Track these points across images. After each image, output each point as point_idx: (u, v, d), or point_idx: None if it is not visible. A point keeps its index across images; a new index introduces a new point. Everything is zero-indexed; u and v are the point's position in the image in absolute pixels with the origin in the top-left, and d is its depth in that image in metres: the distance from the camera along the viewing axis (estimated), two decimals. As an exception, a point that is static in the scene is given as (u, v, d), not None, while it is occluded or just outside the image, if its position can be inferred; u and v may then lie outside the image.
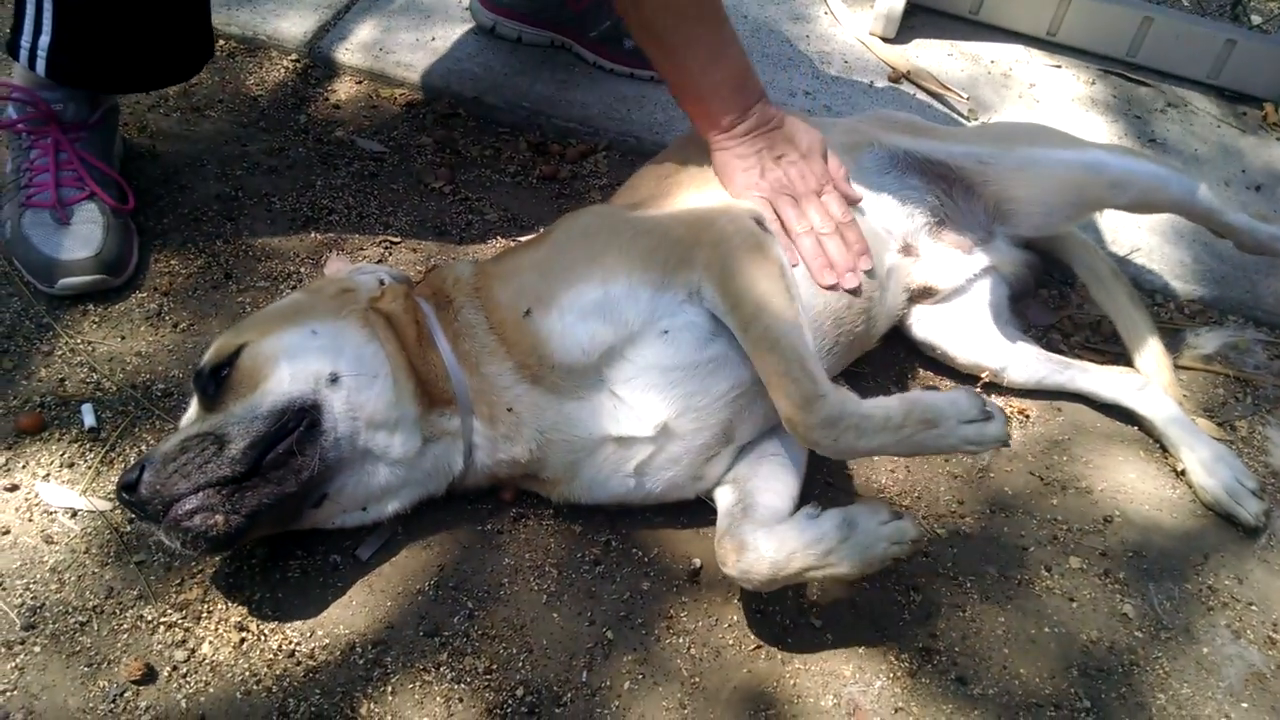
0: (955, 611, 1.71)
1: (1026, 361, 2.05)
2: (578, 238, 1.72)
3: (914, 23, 3.00)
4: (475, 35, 2.72)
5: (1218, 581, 1.81)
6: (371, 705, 1.50)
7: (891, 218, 1.94)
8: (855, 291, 1.78)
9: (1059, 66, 2.96)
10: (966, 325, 2.04)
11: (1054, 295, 2.29)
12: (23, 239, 1.96)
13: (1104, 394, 2.06)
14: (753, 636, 1.64)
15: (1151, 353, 2.08)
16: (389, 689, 1.52)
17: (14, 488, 1.69)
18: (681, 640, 1.63)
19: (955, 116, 2.72)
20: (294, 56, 2.64)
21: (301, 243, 2.16)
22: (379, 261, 2.14)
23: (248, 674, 1.52)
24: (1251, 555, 1.86)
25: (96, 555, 1.62)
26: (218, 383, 1.57)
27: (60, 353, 1.89)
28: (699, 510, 1.75)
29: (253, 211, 2.21)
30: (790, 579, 1.53)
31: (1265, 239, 2.08)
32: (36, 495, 1.68)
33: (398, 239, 2.20)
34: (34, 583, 1.58)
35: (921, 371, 2.09)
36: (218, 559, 1.63)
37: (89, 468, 1.73)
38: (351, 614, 1.61)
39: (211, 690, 1.50)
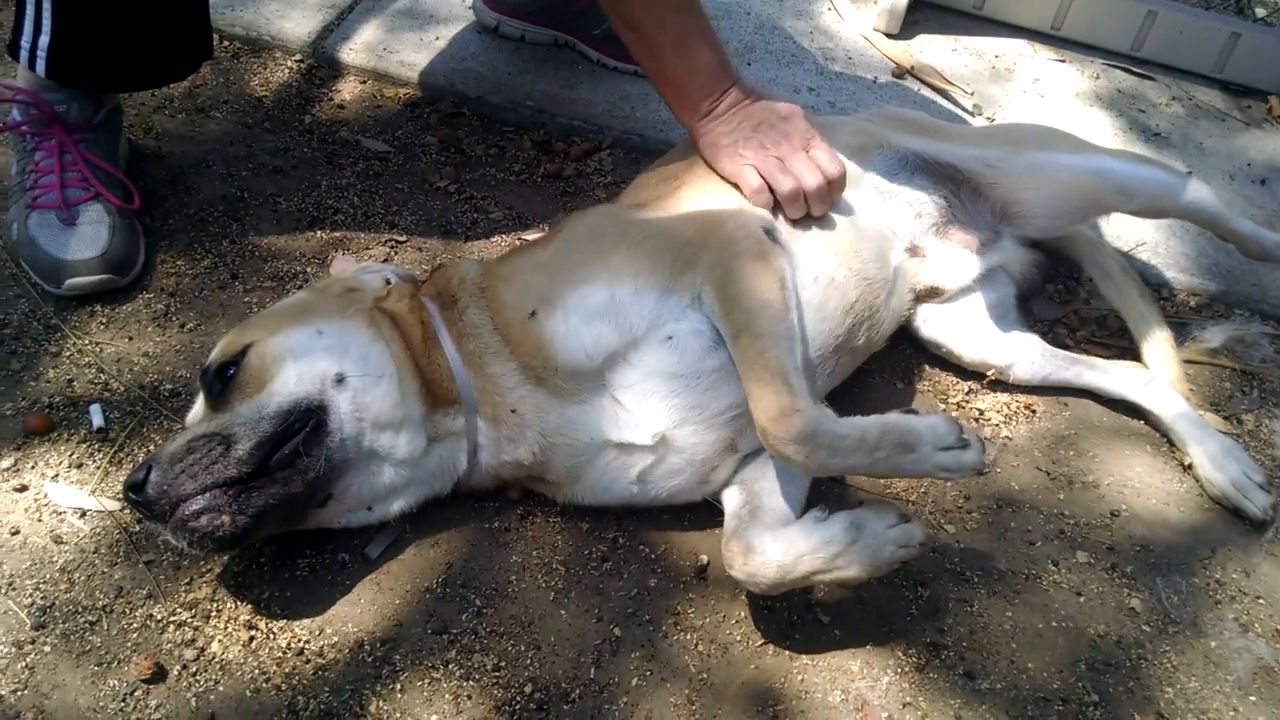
0: (962, 607, 1.71)
1: (1033, 358, 2.05)
2: (584, 238, 1.71)
3: (918, 18, 3.00)
4: (479, 34, 2.72)
5: (1225, 575, 1.81)
6: (380, 703, 1.51)
7: (899, 219, 1.95)
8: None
9: (1063, 61, 2.96)
10: (972, 324, 2.04)
11: (1060, 290, 2.29)
12: (29, 240, 1.97)
13: (1111, 389, 2.06)
14: (760, 633, 1.64)
15: (1159, 347, 2.08)
16: (398, 686, 1.53)
17: (23, 488, 1.69)
18: (689, 637, 1.63)
19: (960, 112, 2.71)
20: (298, 57, 2.64)
21: (307, 242, 2.17)
22: (384, 260, 2.14)
23: (257, 672, 1.52)
24: (1259, 549, 1.86)
25: (106, 555, 1.63)
26: (224, 382, 1.57)
27: (68, 354, 1.89)
28: (706, 507, 1.75)
29: (258, 212, 2.22)
30: (797, 582, 1.53)
31: (1270, 246, 2.09)
32: (45, 496, 1.69)
33: (403, 238, 2.21)
34: (44, 583, 1.59)
35: (927, 368, 2.09)
36: (226, 558, 1.64)
37: (98, 468, 1.73)
38: (360, 612, 1.61)
39: (221, 689, 1.50)
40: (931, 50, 2.92)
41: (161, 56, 2.06)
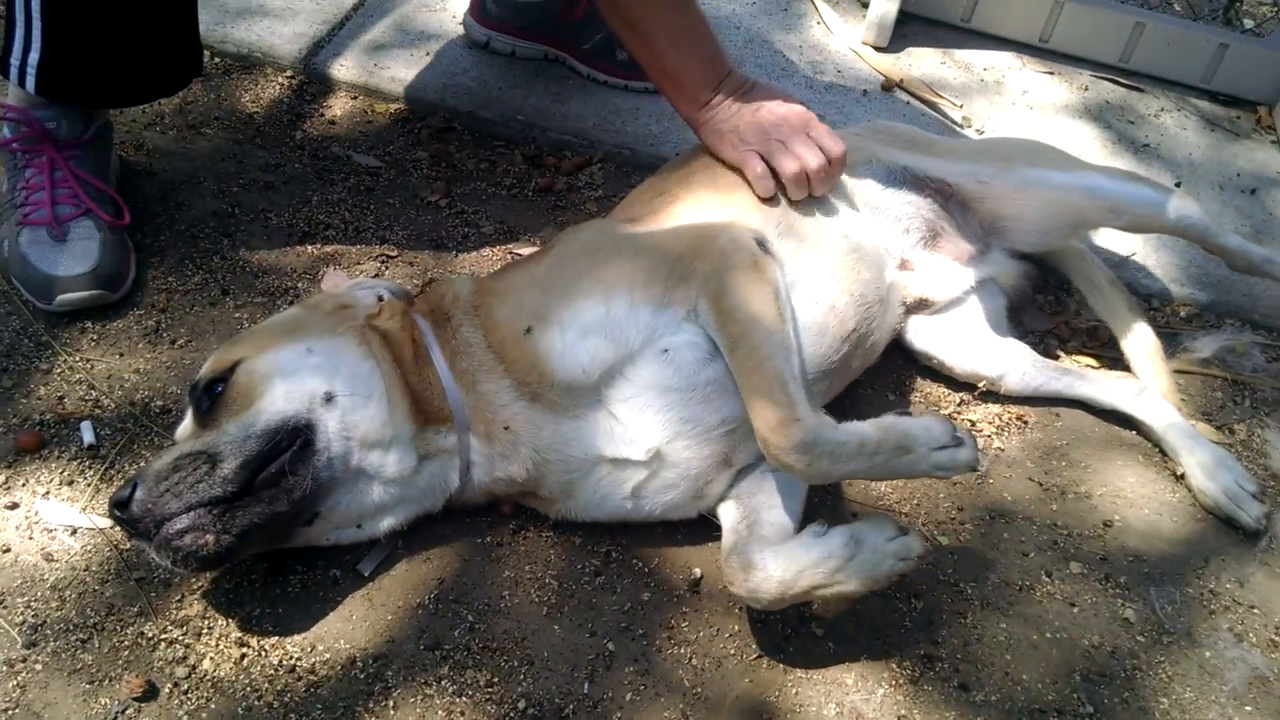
0: (957, 618, 1.71)
1: (1024, 369, 2.05)
2: (578, 253, 1.71)
3: (906, 31, 3.02)
4: (469, 50, 2.73)
5: (1219, 585, 1.81)
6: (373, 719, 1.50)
7: (891, 233, 1.96)
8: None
9: (1051, 73, 2.97)
10: (964, 335, 2.04)
11: (1050, 301, 2.29)
12: (20, 257, 1.97)
13: (1102, 399, 2.06)
14: (754, 646, 1.64)
15: (1149, 358, 2.09)
16: (390, 703, 1.52)
17: (14, 506, 1.68)
18: (683, 651, 1.63)
19: (949, 125, 2.72)
20: (289, 73, 2.65)
21: (298, 258, 2.17)
22: (376, 275, 2.14)
23: (249, 690, 1.51)
24: (1252, 558, 1.86)
25: (97, 572, 1.62)
26: (212, 398, 1.56)
27: (59, 370, 1.89)
28: (699, 521, 1.75)
29: (249, 227, 2.21)
30: (798, 598, 1.53)
31: (1258, 260, 2.11)
32: (36, 513, 1.68)
33: (394, 253, 2.21)
34: (35, 600, 1.58)
35: (919, 380, 2.10)
36: (217, 574, 1.63)
37: (88, 485, 1.73)
38: (352, 628, 1.60)
39: (213, 706, 1.49)
40: (920, 63, 2.94)
41: (152, 72, 2.06)
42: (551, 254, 1.75)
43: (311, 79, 2.64)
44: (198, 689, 1.51)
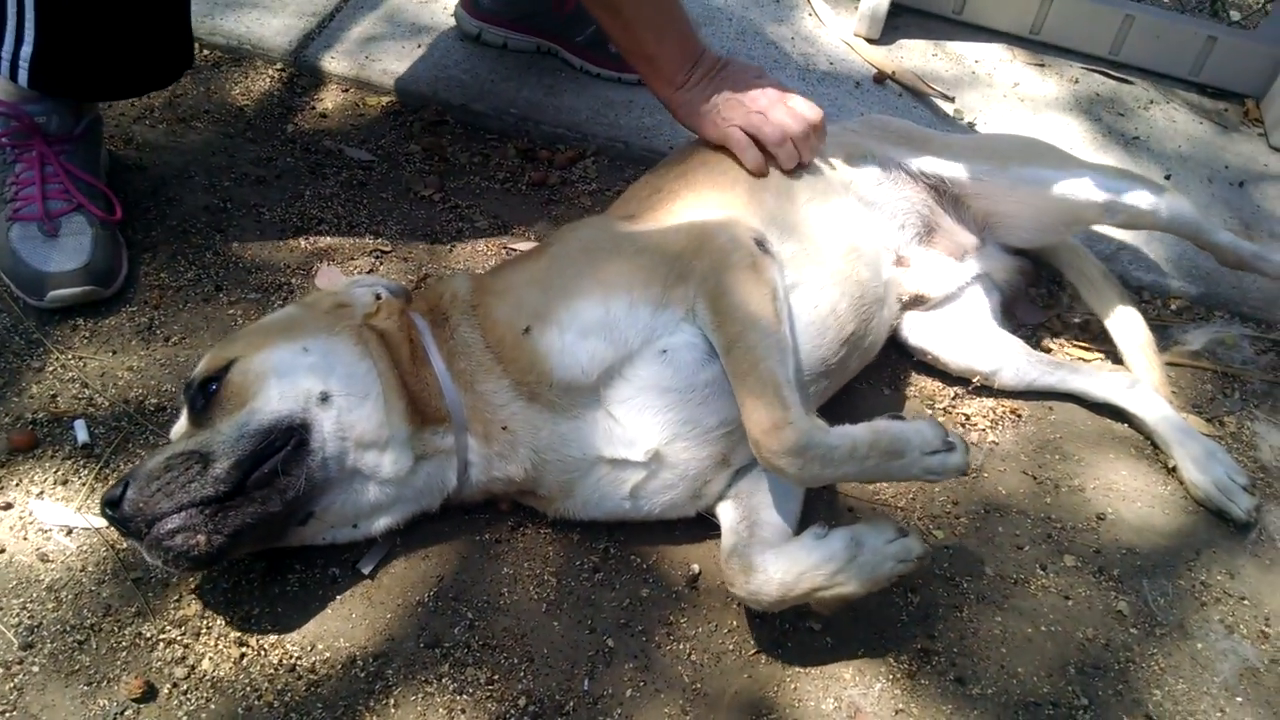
0: (952, 612, 1.72)
1: (1017, 364, 2.06)
2: (577, 252, 1.71)
3: (898, 23, 3.02)
4: (461, 42, 2.71)
5: (1210, 577, 1.83)
6: (374, 718, 1.50)
7: (886, 229, 1.96)
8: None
9: (1042, 65, 2.98)
10: (958, 331, 2.05)
11: (1043, 294, 2.30)
12: (11, 253, 1.95)
13: (1095, 393, 2.07)
14: (753, 641, 1.65)
15: (1142, 351, 2.10)
16: (391, 701, 1.52)
17: (8, 506, 1.67)
18: (682, 647, 1.63)
19: (940, 117, 2.73)
20: (279, 65, 2.63)
21: (291, 253, 2.15)
22: (370, 271, 2.14)
23: (249, 689, 1.51)
24: (1243, 550, 1.88)
25: (93, 573, 1.62)
26: (206, 397, 1.56)
27: (51, 369, 1.87)
28: (697, 517, 1.75)
29: (242, 222, 2.20)
30: (799, 599, 1.53)
31: (1247, 256, 2.13)
32: (31, 513, 1.67)
33: (388, 247, 2.20)
34: (31, 602, 1.57)
35: (913, 375, 2.10)
36: (216, 573, 1.63)
37: (83, 484, 1.72)
38: (351, 627, 1.60)
39: (213, 707, 1.49)
40: (912, 55, 2.94)
41: (143, 65, 2.05)
42: (550, 252, 1.74)
43: (302, 71, 2.62)
44: (197, 689, 1.50)
